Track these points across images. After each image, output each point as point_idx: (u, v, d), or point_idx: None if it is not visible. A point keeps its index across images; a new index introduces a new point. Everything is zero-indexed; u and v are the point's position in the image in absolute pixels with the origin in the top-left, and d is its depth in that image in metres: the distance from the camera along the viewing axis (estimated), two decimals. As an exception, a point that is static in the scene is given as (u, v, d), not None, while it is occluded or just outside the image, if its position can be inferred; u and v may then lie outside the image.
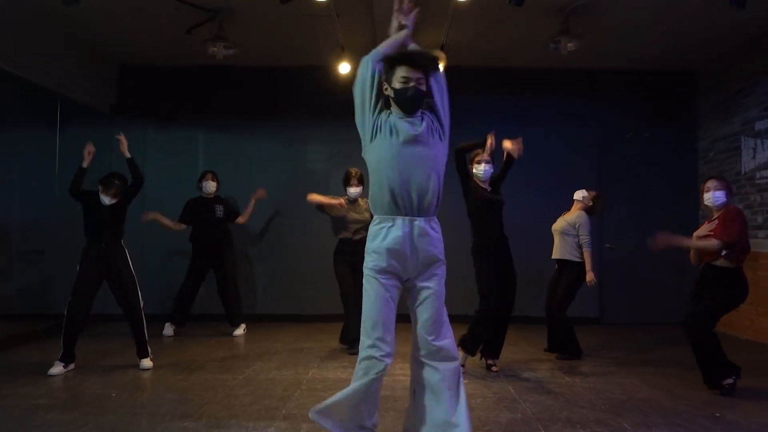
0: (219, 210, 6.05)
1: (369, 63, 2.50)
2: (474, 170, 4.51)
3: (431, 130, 2.54)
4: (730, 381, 3.84)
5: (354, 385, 2.41)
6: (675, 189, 7.15)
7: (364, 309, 2.46)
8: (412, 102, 2.49)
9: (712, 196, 4.06)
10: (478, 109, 7.09)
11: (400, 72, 2.47)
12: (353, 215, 5.18)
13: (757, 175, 6.10)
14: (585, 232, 5.09)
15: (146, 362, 4.43)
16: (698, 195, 7.05)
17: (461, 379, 2.52)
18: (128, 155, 4.77)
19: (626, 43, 6.29)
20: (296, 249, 6.96)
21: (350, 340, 4.90)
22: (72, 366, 4.36)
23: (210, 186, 6.06)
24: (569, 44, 5.51)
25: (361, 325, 2.45)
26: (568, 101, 7.16)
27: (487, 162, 4.49)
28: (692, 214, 7.01)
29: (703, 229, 4.05)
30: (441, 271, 2.54)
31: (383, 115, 2.52)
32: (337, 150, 6.92)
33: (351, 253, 5.03)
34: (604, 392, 3.90)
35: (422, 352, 2.48)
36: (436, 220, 2.56)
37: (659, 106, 7.21)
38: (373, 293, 2.44)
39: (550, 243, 5.40)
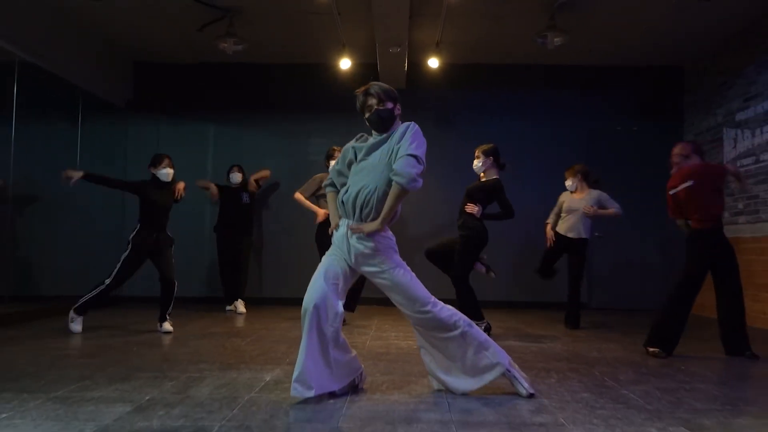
0: (245, 197, 6.70)
1: None
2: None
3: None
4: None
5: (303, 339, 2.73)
6: (662, 180, 7.44)
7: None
8: (376, 124, 2.87)
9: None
10: (473, 103, 7.51)
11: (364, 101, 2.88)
12: None
13: (738, 164, 6.43)
14: (614, 203, 5.59)
15: (167, 325, 4.88)
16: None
17: (451, 337, 2.84)
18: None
19: (614, 39, 6.67)
20: (291, 236, 7.36)
21: None
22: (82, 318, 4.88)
23: (236, 177, 6.71)
24: (556, 39, 5.88)
25: None
26: (559, 96, 7.54)
27: (477, 157, 4.93)
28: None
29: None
30: (382, 263, 2.76)
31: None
32: (337, 142, 7.26)
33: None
34: (580, 352, 4.25)
35: (411, 321, 2.89)
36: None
37: (647, 101, 7.58)
38: (323, 262, 2.84)
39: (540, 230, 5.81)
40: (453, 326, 2.83)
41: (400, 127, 2.83)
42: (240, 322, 5.73)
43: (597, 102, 7.56)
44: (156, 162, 5.03)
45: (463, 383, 2.90)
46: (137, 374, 3.28)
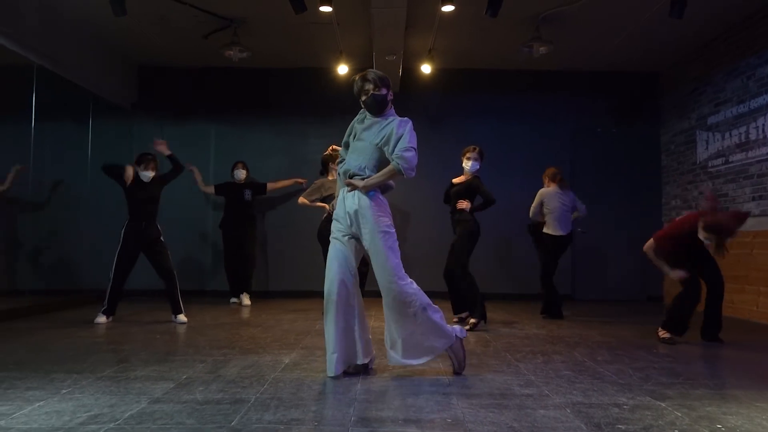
0: (247, 194, 7.01)
1: None
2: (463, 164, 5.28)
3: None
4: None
5: (326, 325, 3.16)
6: (640, 179, 8.00)
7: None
8: (371, 106, 3.23)
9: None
10: (463, 106, 7.93)
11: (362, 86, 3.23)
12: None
13: (709, 164, 6.92)
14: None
15: (182, 317, 5.22)
16: (660, 184, 7.96)
17: (404, 314, 3.13)
18: (168, 152, 5.52)
19: (595, 48, 7.12)
20: (293, 232, 7.74)
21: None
22: (111, 318, 5.18)
23: (240, 174, 7.03)
24: (541, 48, 6.31)
25: None
26: (543, 99, 7.99)
27: (475, 159, 5.24)
28: (655, 201, 7.88)
29: None
30: (370, 222, 3.11)
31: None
32: (333, 143, 7.65)
33: None
34: (563, 337, 4.70)
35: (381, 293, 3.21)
36: (369, 193, 3.17)
37: (627, 105, 8.06)
38: (330, 250, 3.22)
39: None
40: (409, 305, 3.11)
41: (399, 120, 3.18)
42: (246, 313, 6.10)
43: (579, 105, 8.02)
44: (140, 161, 5.25)
45: (399, 359, 3.20)
46: (168, 358, 3.66)
